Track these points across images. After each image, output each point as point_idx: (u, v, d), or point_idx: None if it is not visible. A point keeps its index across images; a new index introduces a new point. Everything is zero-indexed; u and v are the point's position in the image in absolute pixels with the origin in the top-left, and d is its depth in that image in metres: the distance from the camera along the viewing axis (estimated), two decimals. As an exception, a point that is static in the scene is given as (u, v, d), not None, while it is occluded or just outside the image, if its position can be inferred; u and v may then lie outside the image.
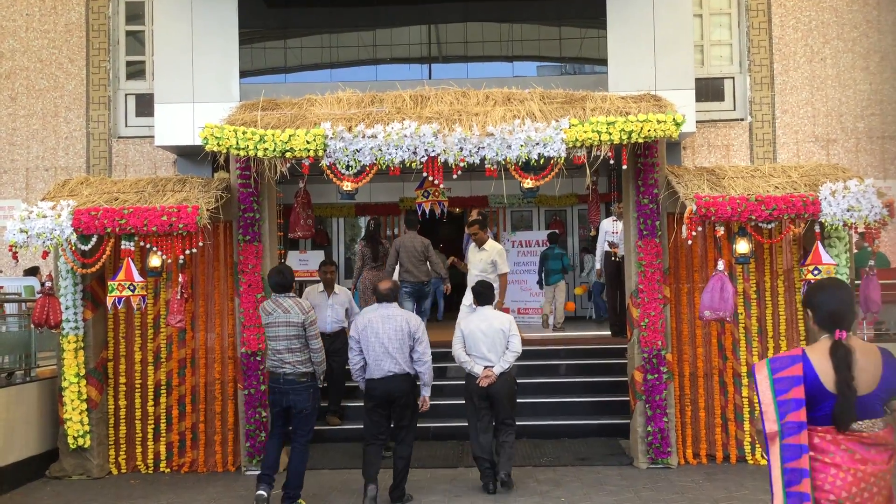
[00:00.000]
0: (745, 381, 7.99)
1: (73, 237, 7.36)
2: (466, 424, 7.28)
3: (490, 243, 9.85)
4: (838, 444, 3.33)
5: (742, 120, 13.30)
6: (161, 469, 8.16)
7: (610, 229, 10.34)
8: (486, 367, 7.04)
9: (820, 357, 3.36)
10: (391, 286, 7.04)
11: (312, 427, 6.84)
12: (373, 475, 6.62)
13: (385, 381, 6.68)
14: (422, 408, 6.90)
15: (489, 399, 7.07)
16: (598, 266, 11.42)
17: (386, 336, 6.70)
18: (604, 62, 12.31)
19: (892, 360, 3.40)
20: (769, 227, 7.41)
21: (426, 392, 6.91)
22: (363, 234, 12.00)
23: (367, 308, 8.23)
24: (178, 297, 7.67)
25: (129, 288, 7.31)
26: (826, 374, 3.33)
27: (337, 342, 8.90)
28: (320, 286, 9.12)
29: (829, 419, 3.34)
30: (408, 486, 6.97)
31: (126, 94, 13.54)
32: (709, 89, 13.25)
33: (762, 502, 6.65)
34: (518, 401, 7.58)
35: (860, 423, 3.32)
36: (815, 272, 7.18)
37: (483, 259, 9.66)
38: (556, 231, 13.70)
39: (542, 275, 12.83)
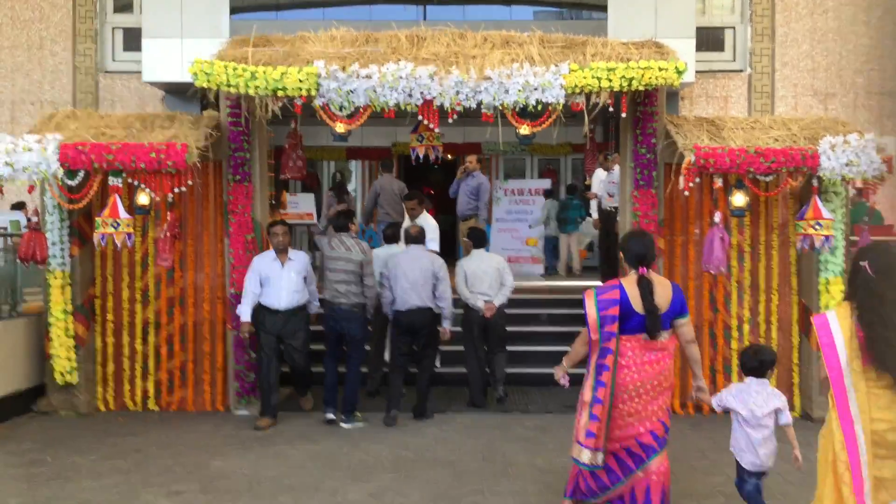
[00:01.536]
0: (734, 333, 8.01)
1: (60, 172, 7.21)
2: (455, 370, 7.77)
3: (424, 217, 9.30)
4: (634, 349, 4.59)
5: (741, 71, 13.11)
6: (149, 407, 8.15)
7: (605, 178, 10.24)
8: (486, 301, 8.05)
9: (630, 286, 4.62)
10: (419, 230, 8.01)
11: (363, 351, 7.94)
12: (396, 400, 7.63)
13: (409, 313, 7.61)
14: (443, 337, 7.82)
15: (486, 329, 8.13)
16: (594, 216, 11.34)
17: (412, 274, 7.61)
18: (603, 8, 12.04)
19: (678, 290, 4.76)
20: (767, 179, 7.34)
21: (447, 324, 7.80)
22: (331, 184, 12.33)
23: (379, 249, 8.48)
24: (165, 237, 7.58)
25: (111, 225, 7.19)
26: (634, 298, 4.58)
27: (293, 321, 7.50)
28: (270, 253, 7.56)
29: (635, 330, 4.58)
30: (398, 429, 6.98)
31: (113, 28, 13.17)
32: (709, 39, 13.01)
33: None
34: (508, 349, 8.33)
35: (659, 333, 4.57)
36: (817, 227, 7.14)
37: None
38: (575, 183, 13.73)
39: (557, 223, 13.18)
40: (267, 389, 7.51)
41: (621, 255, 4.87)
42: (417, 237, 7.91)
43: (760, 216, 8.01)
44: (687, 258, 8.08)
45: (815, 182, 7.28)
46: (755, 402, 4.82)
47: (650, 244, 4.79)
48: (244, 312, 7.45)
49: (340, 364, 7.75)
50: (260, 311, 7.46)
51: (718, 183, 7.28)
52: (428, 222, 9.14)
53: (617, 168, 10.66)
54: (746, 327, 8.02)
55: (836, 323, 3.82)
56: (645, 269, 4.67)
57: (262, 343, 7.50)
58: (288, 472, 6.19)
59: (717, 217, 7.26)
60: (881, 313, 3.70)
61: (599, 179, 11.56)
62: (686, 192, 7.39)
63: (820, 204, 7.23)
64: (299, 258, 7.64)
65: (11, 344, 7.82)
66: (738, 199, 7.29)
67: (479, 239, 8.50)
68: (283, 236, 7.52)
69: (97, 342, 8.13)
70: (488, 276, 8.16)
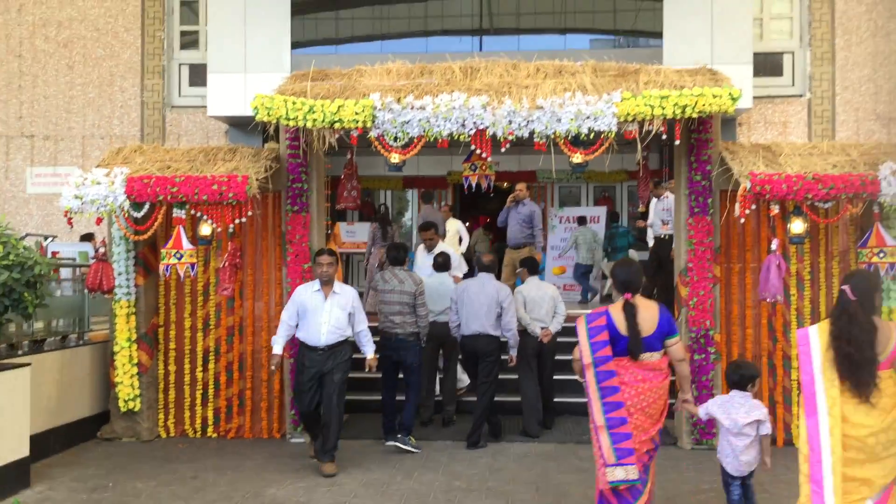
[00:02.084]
0: (794, 363, 7.83)
1: (126, 204, 7.48)
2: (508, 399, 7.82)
3: (441, 246, 9.75)
4: (628, 369, 4.94)
5: (801, 96, 12.91)
6: (208, 434, 8.32)
7: (655, 205, 10.18)
8: (543, 328, 8.27)
9: (616, 312, 4.99)
10: (492, 259, 8.42)
11: (420, 377, 8.06)
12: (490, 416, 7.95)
13: (472, 338, 7.91)
14: (510, 363, 8.06)
15: (539, 356, 8.29)
16: (651, 244, 11.27)
17: (478, 301, 7.89)
18: (659, 35, 12.03)
19: (666, 313, 5.03)
20: (826, 206, 7.21)
21: (513, 352, 8.03)
22: (374, 216, 12.41)
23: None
24: (225, 267, 7.77)
25: (175, 256, 7.42)
26: (620, 323, 4.94)
27: (336, 357, 7.00)
28: (314, 284, 7.09)
29: (624, 352, 4.94)
30: (451, 458, 7.00)
31: (180, 64, 13.66)
32: (767, 64, 12.87)
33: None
34: (561, 378, 8.51)
35: (644, 354, 4.94)
36: (881, 255, 6.97)
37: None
38: (615, 211, 13.67)
39: (607, 252, 13.22)
40: (314, 427, 7.23)
41: (608, 281, 5.44)
42: (489, 266, 8.23)
43: (820, 243, 7.86)
44: (744, 286, 7.95)
45: (875, 208, 7.11)
46: (737, 412, 5.18)
47: (636, 272, 5.14)
48: (276, 343, 7.07)
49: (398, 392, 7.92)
50: (301, 348, 7.12)
51: (775, 210, 7.17)
52: (449, 252, 9.45)
53: (669, 195, 10.61)
54: (807, 357, 7.83)
55: (816, 336, 4.38)
56: (630, 294, 5.01)
57: (302, 381, 7.05)
58: (341, 500, 6.25)
59: (775, 244, 7.14)
60: (850, 331, 4.23)
61: (658, 208, 11.48)
62: (742, 220, 7.30)
63: (883, 231, 7.06)
64: (345, 293, 7.11)
65: (78, 371, 8.10)
66: (797, 226, 7.17)
67: (533, 266, 8.74)
68: (327, 267, 7.00)
69: (160, 370, 8.36)
70: (545, 304, 8.34)
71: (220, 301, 8.31)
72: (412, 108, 7.17)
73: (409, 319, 7.75)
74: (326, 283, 7.03)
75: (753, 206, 7.16)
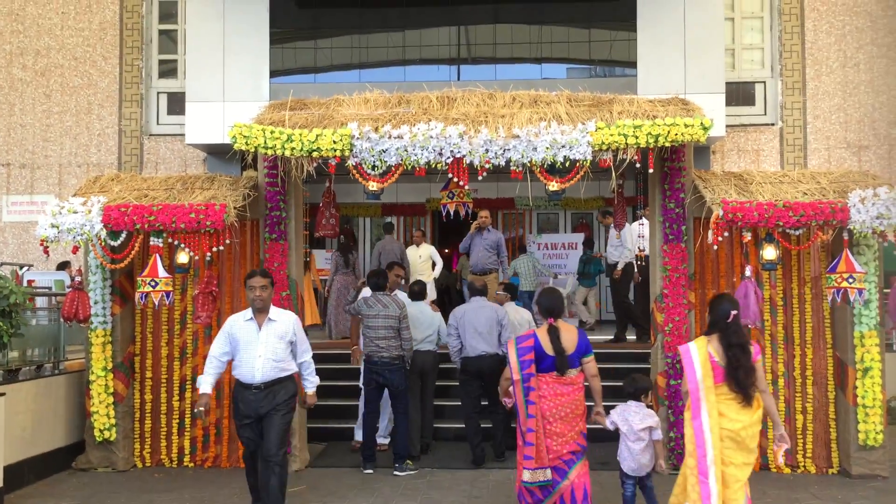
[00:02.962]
0: (769, 388, 7.90)
1: (103, 233, 7.47)
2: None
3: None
4: (549, 384, 5.77)
5: (773, 125, 13.17)
6: (185, 463, 8.25)
7: (638, 233, 10.30)
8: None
9: (542, 334, 5.84)
10: (483, 283, 8.71)
11: (407, 400, 8.05)
12: (475, 443, 8.07)
13: (477, 359, 8.09)
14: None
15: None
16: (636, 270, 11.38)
17: (478, 322, 8.12)
18: (633, 65, 12.25)
19: (583, 335, 5.91)
20: (797, 233, 7.34)
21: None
22: (336, 245, 12.60)
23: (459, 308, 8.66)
24: (198, 294, 7.75)
25: (150, 284, 7.40)
26: (546, 344, 5.77)
27: (272, 398, 6.00)
28: (246, 312, 6.16)
29: (549, 369, 5.75)
30: (430, 485, 6.97)
31: (158, 93, 13.71)
32: (739, 93, 13.13)
33: (785, 511, 6.60)
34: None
35: (567, 371, 5.76)
36: (850, 280, 7.10)
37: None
38: (591, 238, 13.80)
39: (579, 277, 13.35)
40: (254, 487, 6.29)
41: (535, 307, 6.43)
42: (481, 290, 8.54)
43: (792, 269, 7.98)
44: (719, 312, 8.03)
45: (845, 235, 7.25)
46: (633, 419, 5.94)
47: (559, 300, 6.07)
48: (204, 382, 6.06)
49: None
50: (235, 388, 6.17)
51: (747, 237, 7.29)
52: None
53: (633, 224, 10.87)
54: (781, 381, 7.93)
55: (696, 351, 5.28)
56: (553, 319, 5.90)
57: (240, 428, 6.13)
58: (320, 529, 6.22)
59: (749, 271, 7.26)
60: (742, 354, 5.17)
61: (634, 234, 11.59)
62: (715, 246, 7.41)
63: (851, 257, 7.20)
64: (284, 319, 6.14)
65: (53, 401, 8.02)
66: (769, 252, 7.29)
67: (514, 291, 9.19)
68: (260, 290, 6.02)
69: (136, 399, 8.30)
70: (522, 328, 8.54)
71: (197, 329, 8.28)
72: (390, 136, 7.24)
73: (394, 343, 7.92)
74: (260, 311, 6.07)
75: (726, 234, 7.28)
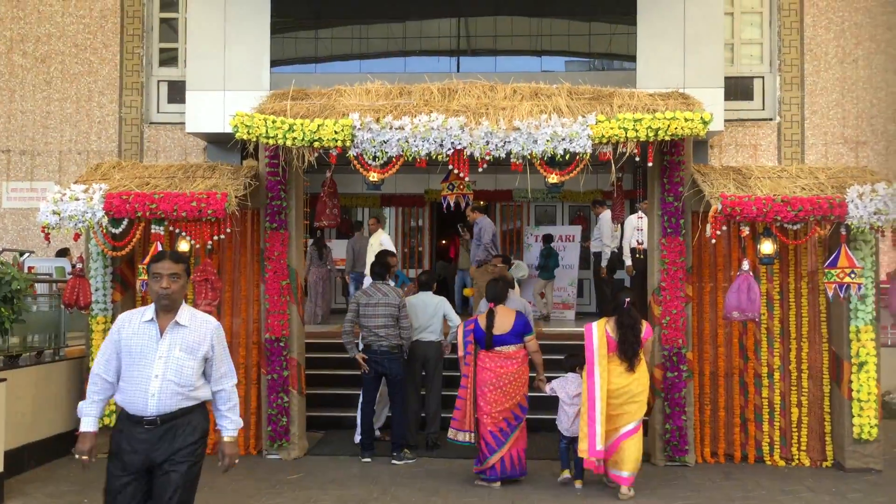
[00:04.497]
0: (765, 381, 7.98)
1: (105, 220, 7.50)
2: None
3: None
4: (490, 358, 7.05)
5: (771, 120, 13.21)
6: (184, 450, 8.28)
7: (636, 226, 10.35)
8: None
9: (482, 318, 7.18)
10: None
11: (405, 389, 8.15)
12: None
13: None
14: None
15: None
16: (627, 263, 11.42)
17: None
18: (633, 59, 12.27)
19: (521, 317, 7.21)
20: (794, 228, 7.39)
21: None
22: (311, 240, 12.99)
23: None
24: (196, 283, 7.74)
25: (152, 271, 7.42)
26: (484, 324, 7.09)
27: (171, 440, 4.15)
28: (146, 310, 4.30)
29: (485, 346, 7.03)
30: (428, 474, 7.03)
31: (158, 81, 13.71)
32: (738, 88, 13.16)
33: (780, 502, 6.67)
34: (535, 395, 7.89)
35: (500, 347, 7.05)
36: (852, 275, 7.17)
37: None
38: (550, 234, 13.93)
39: (541, 270, 13.50)
40: None
41: (484, 293, 7.72)
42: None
43: (789, 264, 8.04)
44: (715, 305, 8.11)
45: (843, 230, 7.31)
46: (569, 388, 7.09)
47: (501, 288, 7.43)
48: (85, 413, 4.25)
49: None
50: (118, 420, 4.27)
51: (745, 231, 7.35)
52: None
53: (631, 217, 10.97)
54: (777, 375, 8.00)
55: (596, 328, 6.86)
56: (493, 304, 7.25)
57: (113, 491, 4.19)
58: (319, 516, 6.27)
59: (746, 265, 7.31)
60: (631, 325, 6.77)
61: (631, 226, 11.65)
62: (713, 240, 7.46)
63: (850, 252, 7.26)
64: (199, 326, 4.25)
65: (54, 387, 8.07)
66: (766, 247, 7.35)
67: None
68: (169, 280, 4.16)
69: (136, 385, 8.32)
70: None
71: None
72: (391, 128, 7.28)
73: (394, 332, 7.96)
74: (166, 310, 4.19)
75: (724, 228, 7.33)
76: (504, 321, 7.12)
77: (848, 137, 13.07)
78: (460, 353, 7.21)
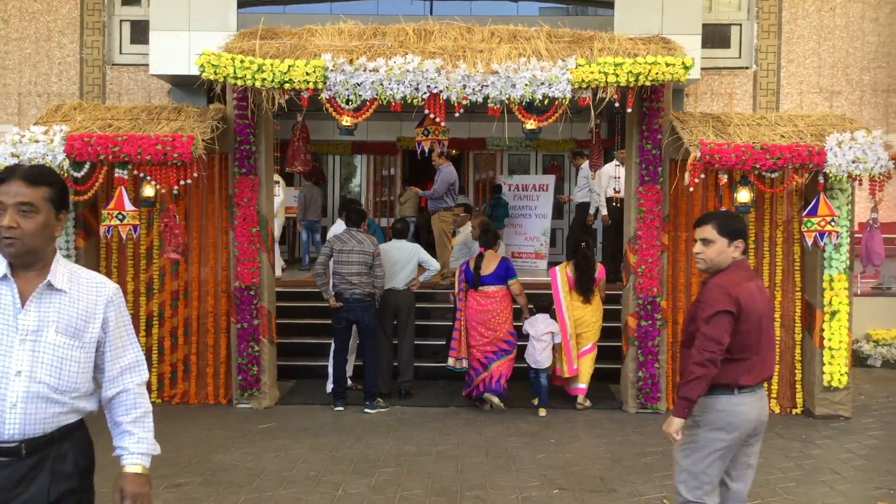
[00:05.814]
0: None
1: (66, 163, 7.22)
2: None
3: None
4: (477, 297, 7.87)
5: (747, 68, 13.07)
6: (152, 400, 8.14)
7: (613, 174, 10.23)
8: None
9: (471, 261, 8.02)
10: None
11: (377, 338, 8.16)
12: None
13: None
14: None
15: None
16: (603, 212, 11.33)
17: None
18: (609, 4, 12.00)
19: (504, 261, 8.01)
20: (772, 176, 7.33)
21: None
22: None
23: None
24: (166, 229, 7.52)
25: (117, 217, 7.21)
26: (473, 266, 7.91)
27: (30, 481, 2.54)
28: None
29: (473, 285, 7.87)
30: (401, 422, 6.99)
31: (121, 20, 13.18)
32: (715, 36, 12.97)
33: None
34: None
35: (484, 287, 7.84)
36: (832, 223, 7.14)
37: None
38: (500, 184, 13.81)
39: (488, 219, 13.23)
40: None
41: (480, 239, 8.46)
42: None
43: (765, 213, 8.00)
44: (690, 254, 8.05)
45: (820, 178, 7.26)
46: (538, 326, 7.79)
47: (492, 236, 8.22)
48: None
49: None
50: None
51: (724, 179, 7.27)
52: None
53: (607, 165, 10.85)
54: (750, 324, 8.00)
55: (559, 271, 8.08)
56: (483, 249, 8.06)
57: None
58: (290, 466, 6.21)
59: (723, 213, 7.24)
60: (586, 266, 7.97)
61: (608, 175, 11.55)
62: (691, 188, 7.38)
63: (827, 201, 7.22)
64: (87, 291, 2.72)
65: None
66: (743, 195, 7.28)
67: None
68: (14, 216, 2.58)
69: (102, 334, 8.14)
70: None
71: (164, 264, 8.12)
72: (365, 69, 7.05)
73: (367, 280, 7.86)
74: (24, 264, 2.65)
75: (703, 176, 7.25)
76: (489, 264, 7.91)
77: (823, 87, 12.99)
78: (455, 289, 8.14)
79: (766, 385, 7.78)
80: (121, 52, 13.18)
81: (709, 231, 3.89)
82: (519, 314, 8.04)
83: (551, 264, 14.01)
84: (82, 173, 7.34)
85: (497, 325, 7.79)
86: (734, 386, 3.72)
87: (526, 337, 7.94)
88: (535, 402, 7.88)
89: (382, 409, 7.88)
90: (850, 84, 12.96)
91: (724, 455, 3.77)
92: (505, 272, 7.87)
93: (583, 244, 8.00)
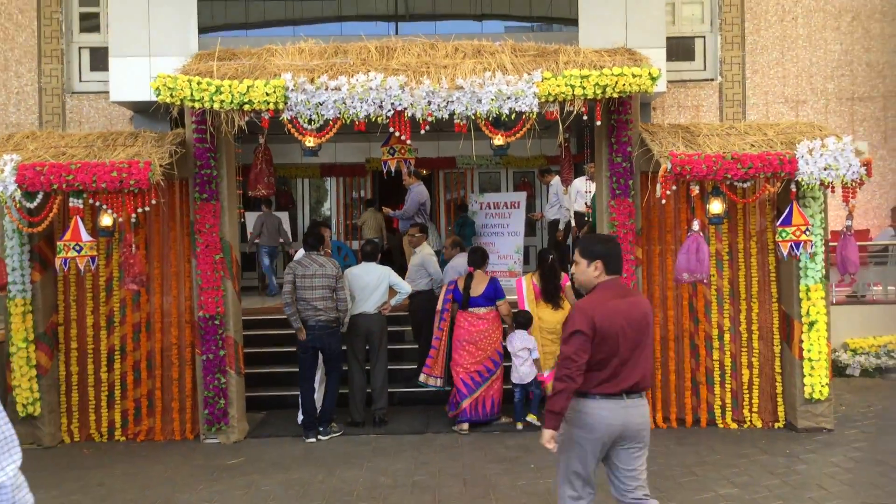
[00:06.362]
0: (716, 343, 7.86)
1: (18, 194, 6.94)
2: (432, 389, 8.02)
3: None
4: (466, 317, 7.88)
5: (712, 80, 13.08)
6: (116, 437, 7.85)
7: (583, 189, 10.11)
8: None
9: (459, 281, 8.02)
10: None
11: (340, 363, 7.99)
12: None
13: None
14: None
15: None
16: (573, 224, 11.22)
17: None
18: (574, 22, 11.95)
19: (493, 282, 7.98)
20: (744, 185, 7.22)
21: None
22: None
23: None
24: (126, 261, 7.25)
25: (73, 248, 6.93)
26: (462, 287, 7.93)
27: None
28: None
29: (462, 305, 7.88)
30: (375, 452, 6.75)
31: (80, 48, 12.92)
32: (679, 48, 12.99)
33: (735, 467, 6.55)
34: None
35: (473, 308, 7.87)
36: (807, 233, 7.02)
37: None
38: (466, 204, 13.71)
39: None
40: None
41: (468, 259, 8.29)
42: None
43: (738, 223, 7.90)
44: (665, 268, 7.93)
45: (793, 187, 7.16)
46: (515, 343, 7.86)
47: (481, 255, 8.16)
48: None
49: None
50: None
51: (695, 190, 7.15)
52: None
53: (576, 180, 10.75)
54: (727, 336, 7.88)
55: (525, 281, 8.18)
56: (472, 269, 8.02)
57: None
58: None
59: (696, 225, 7.11)
60: (552, 275, 7.99)
61: (576, 190, 11.44)
62: (663, 200, 7.26)
63: (801, 209, 7.12)
64: None
65: (-30, 374, 7.44)
66: (715, 206, 7.15)
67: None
68: None
69: (61, 371, 7.83)
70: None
71: (125, 296, 7.83)
72: (327, 88, 6.86)
73: (331, 304, 7.69)
74: None
75: (674, 187, 7.12)
76: (479, 285, 7.93)
77: (788, 96, 13.03)
78: (439, 307, 8.08)
79: (746, 399, 7.70)
80: (80, 80, 12.92)
81: (576, 253, 4.30)
82: (506, 334, 8.03)
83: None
84: (35, 203, 7.05)
85: (486, 346, 7.86)
86: (596, 393, 4.05)
87: (509, 356, 7.89)
88: (519, 426, 7.90)
89: (335, 435, 7.73)
90: (815, 93, 13.02)
91: (591, 451, 4.12)
92: (494, 293, 7.91)
93: (550, 256, 8.10)
